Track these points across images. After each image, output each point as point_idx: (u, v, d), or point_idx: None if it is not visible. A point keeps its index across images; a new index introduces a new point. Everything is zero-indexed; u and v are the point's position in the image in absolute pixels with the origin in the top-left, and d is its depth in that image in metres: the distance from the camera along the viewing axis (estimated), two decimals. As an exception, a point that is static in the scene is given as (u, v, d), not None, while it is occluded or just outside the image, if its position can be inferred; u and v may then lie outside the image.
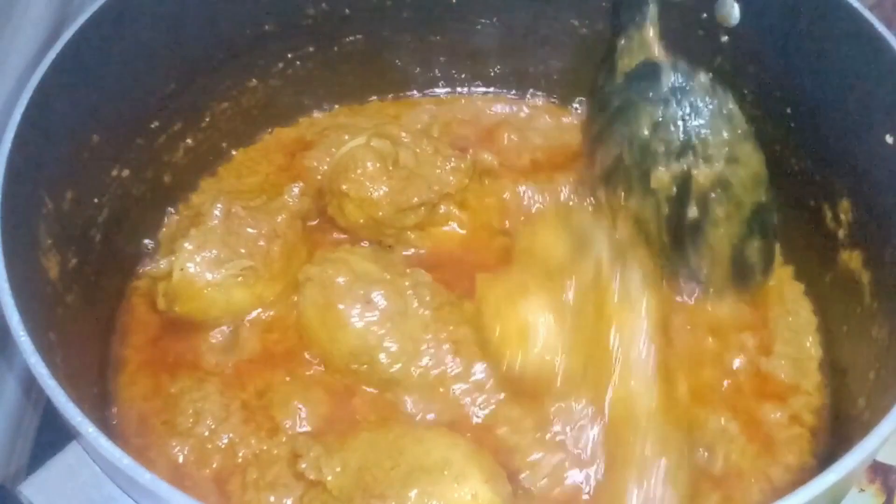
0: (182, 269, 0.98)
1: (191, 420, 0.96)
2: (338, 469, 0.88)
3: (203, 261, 0.99)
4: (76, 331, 0.93)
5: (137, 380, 1.01)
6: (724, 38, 1.07)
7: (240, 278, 1.00)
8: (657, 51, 1.04)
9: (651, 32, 1.05)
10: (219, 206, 1.02)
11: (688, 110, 1.00)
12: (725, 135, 0.99)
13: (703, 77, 1.00)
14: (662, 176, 1.00)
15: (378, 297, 0.97)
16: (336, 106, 1.24)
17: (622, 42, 1.07)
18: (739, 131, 1.00)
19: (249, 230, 1.02)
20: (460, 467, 0.85)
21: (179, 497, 0.68)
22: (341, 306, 0.97)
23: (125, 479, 0.71)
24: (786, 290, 1.09)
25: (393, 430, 0.91)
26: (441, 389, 0.97)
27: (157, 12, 1.00)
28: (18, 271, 0.79)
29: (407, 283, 0.99)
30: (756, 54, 1.05)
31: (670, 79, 1.01)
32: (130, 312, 1.06)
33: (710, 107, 0.99)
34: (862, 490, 1.04)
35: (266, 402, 0.98)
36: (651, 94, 1.01)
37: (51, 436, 1.03)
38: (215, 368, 1.01)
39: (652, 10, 1.04)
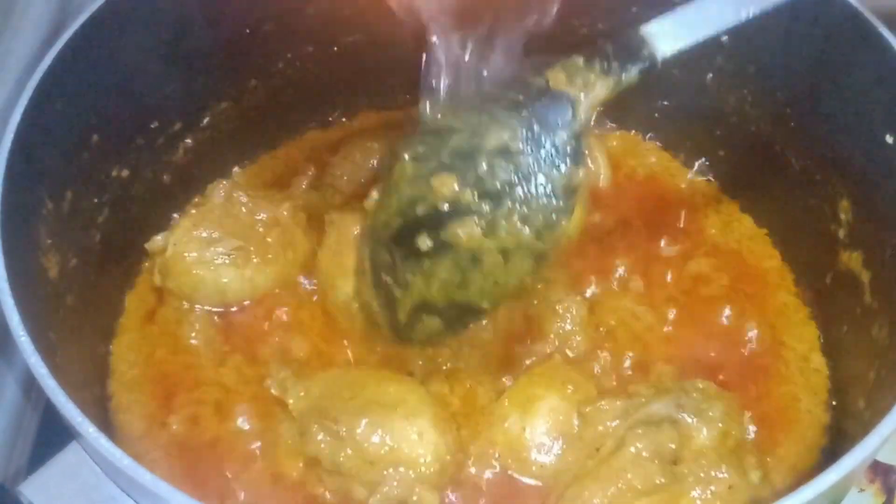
0: (175, 245, 1.01)
1: (190, 421, 0.96)
2: (301, 394, 0.92)
3: (195, 238, 1.01)
4: (76, 331, 0.93)
5: (137, 379, 1.00)
6: (724, 38, 1.07)
7: (228, 258, 1.01)
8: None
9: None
10: (221, 189, 1.04)
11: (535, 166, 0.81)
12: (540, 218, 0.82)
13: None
14: (445, 184, 0.83)
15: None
16: (340, 108, 1.25)
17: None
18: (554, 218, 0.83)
19: (248, 215, 1.04)
20: (413, 408, 0.89)
21: (180, 497, 0.68)
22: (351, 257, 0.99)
23: (125, 479, 0.71)
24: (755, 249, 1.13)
25: (361, 370, 0.96)
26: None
27: (156, 12, 1.00)
28: (18, 271, 0.79)
29: None
30: (756, 54, 1.05)
31: (566, 115, 0.82)
32: (130, 312, 1.06)
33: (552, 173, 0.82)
34: (862, 490, 1.04)
35: (265, 401, 0.98)
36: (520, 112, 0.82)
37: (51, 436, 1.03)
38: (214, 365, 1.01)
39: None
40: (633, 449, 0.87)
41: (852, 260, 1.00)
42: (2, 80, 1.10)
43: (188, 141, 1.12)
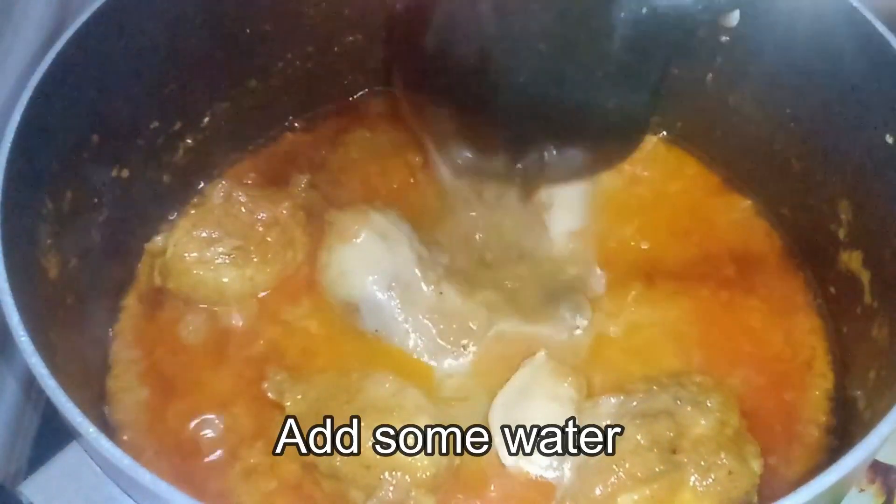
0: (175, 245, 1.02)
1: (189, 421, 0.96)
2: (298, 397, 0.93)
3: (195, 239, 1.02)
4: (76, 331, 0.93)
5: (137, 379, 1.00)
6: (724, 38, 1.07)
7: (229, 258, 1.02)
8: None
9: None
10: (221, 189, 1.05)
11: None
12: None
13: None
14: None
15: (385, 261, 1.00)
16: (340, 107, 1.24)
17: None
18: None
19: (248, 215, 1.05)
20: (409, 413, 0.89)
21: (180, 497, 0.68)
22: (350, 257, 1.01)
23: (125, 479, 0.71)
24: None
25: (358, 373, 0.95)
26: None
27: (156, 12, 1.00)
28: (18, 271, 0.79)
29: (414, 257, 1.01)
30: (756, 54, 1.05)
31: None
32: (130, 312, 1.06)
33: None
34: (862, 490, 1.04)
35: (263, 402, 0.98)
36: None
37: (51, 436, 1.03)
38: (213, 365, 1.01)
39: None
40: (631, 439, 0.88)
41: (852, 260, 1.00)
42: (2, 80, 1.10)
43: (188, 141, 1.12)
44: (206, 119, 1.13)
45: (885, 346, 0.92)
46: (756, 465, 0.89)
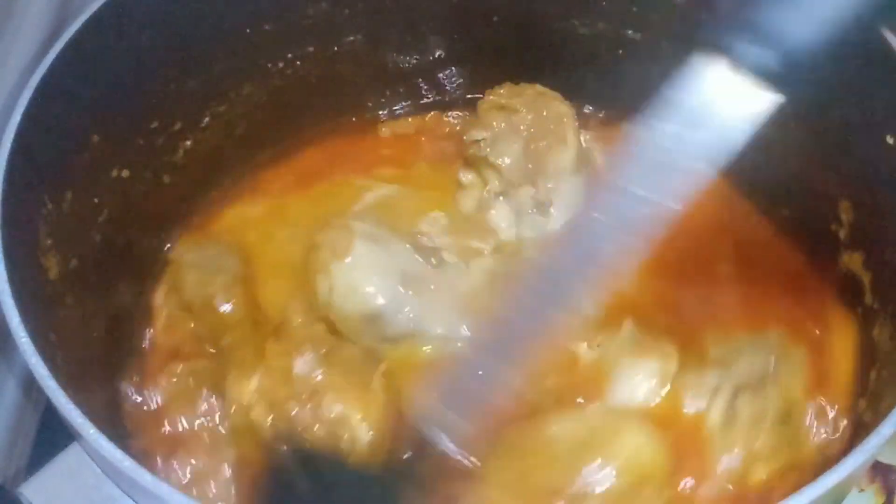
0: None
1: (192, 419, 0.96)
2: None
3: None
4: (76, 331, 0.93)
5: (137, 380, 1.00)
6: (725, 38, 1.07)
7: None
8: None
9: None
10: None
11: None
12: None
13: None
14: None
15: (386, 261, 1.01)
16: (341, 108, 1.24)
17: None
18: None
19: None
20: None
21: (180, 498, 0.68)
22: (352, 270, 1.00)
23: (126, 480, 0.71)
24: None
25: None
26: None
27: (156, 12, 1.00)
28: (18, 272, 0.79)
29: (410, 247, 1.03)
30: (756, 54, 1.05)
31: None
32: (130, 315, 1.06)
33: None
34: (862, 490, 1.04)
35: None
36: None
37: (51, 436, 1.03)
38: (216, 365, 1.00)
39: None
40: (744, 418, 0.90)
41: (852, 260, 1.00)
42: (2, 80, 1.10)
43: (188, 141, 1.12)
44: (206, 119, 1.13)
45: (886, 346, 0.92)
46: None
